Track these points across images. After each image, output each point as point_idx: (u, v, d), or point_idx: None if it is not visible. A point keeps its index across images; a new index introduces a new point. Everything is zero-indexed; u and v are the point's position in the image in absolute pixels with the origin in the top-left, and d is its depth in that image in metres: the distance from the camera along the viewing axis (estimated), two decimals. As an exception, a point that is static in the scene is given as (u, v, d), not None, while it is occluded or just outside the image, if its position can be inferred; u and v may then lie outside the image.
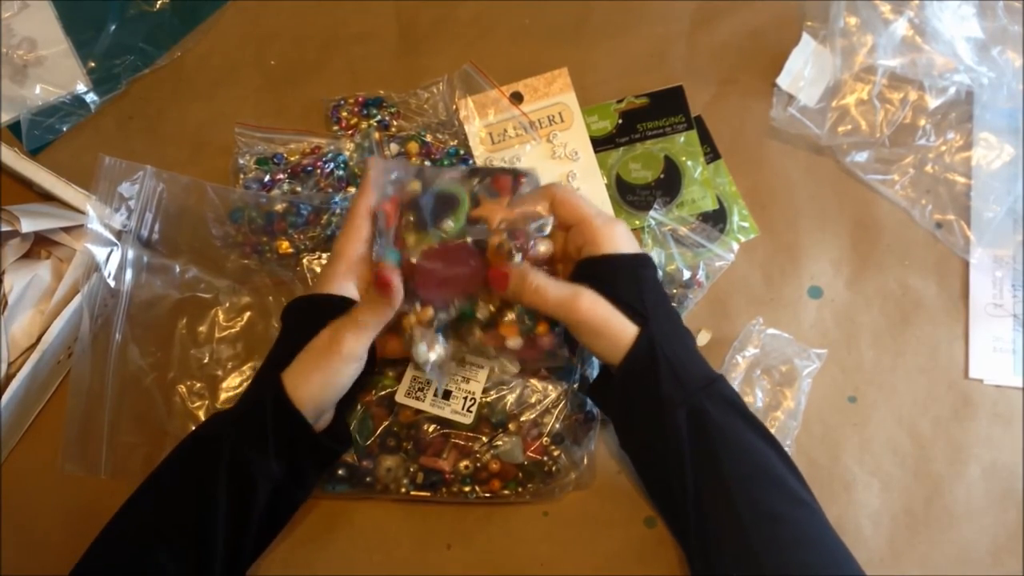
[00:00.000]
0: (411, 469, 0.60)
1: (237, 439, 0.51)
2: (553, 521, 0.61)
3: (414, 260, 0.54)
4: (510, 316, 0.55)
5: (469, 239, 0.54)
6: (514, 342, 0.55)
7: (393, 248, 0.54)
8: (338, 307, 0.54)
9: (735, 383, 0.63)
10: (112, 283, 0.61)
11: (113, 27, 0.71)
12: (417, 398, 0.60)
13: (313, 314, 0.54)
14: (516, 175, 0.56)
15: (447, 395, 0.60)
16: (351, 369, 0.53)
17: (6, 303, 0.60)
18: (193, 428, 0.57)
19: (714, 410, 0.52)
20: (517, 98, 0.70)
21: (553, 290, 0.52)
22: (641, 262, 0.55)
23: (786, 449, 0.62)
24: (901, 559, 0.61)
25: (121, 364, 0.61)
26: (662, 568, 0.60)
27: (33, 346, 0.60)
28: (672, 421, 0.51)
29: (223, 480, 0.50)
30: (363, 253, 0.56)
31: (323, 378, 0.52)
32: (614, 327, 0.52)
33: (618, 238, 0.54)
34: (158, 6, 0.73)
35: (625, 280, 0.53)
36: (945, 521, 0.62)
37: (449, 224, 0.54)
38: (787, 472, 0.52)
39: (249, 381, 0.60)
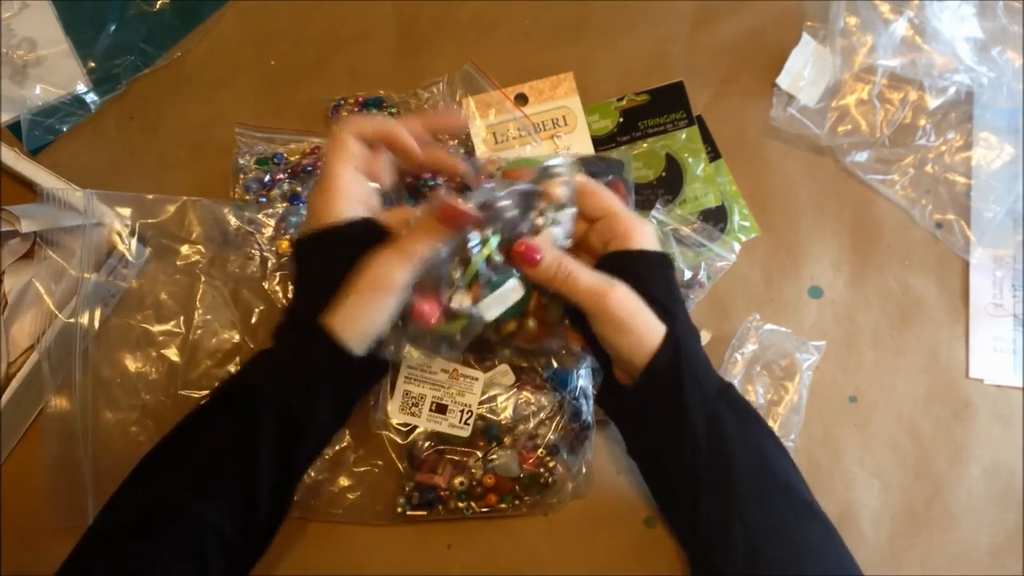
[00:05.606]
0: (407, 488, 0.59)
1: (283, 393, 0.49)
2: (553, 521, 0.61)
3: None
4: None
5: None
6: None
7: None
8: (364, 235, 0.51)
9: (735, 381, 0.63)
10: (112, 284, 0.61)
11: (113, 27, 0.71)
12: (412, 414, 0.59)
13: (338, 248, 0.51)
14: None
15: (442, 409, 0.59)
16: (398, 302, 0.50)
17: (6, 303, 0.60)
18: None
19: (731, 417, 0.51)
20: (521, 100, 0.70)
21: (585, 278, 0.51)
22: (669, 261, 0.54)
23: (790, 445, 0.62)
24: (901, 559, 0.61)
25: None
26: (662, 568, 0.60)
27: (33, 346, 0.60)
28: (692, 427, 0.50)
29: (270, 433, 0.48)
30: (359, 174, 0.53)
31: (371, 316, 0.50)
32: (642, 324, 0.50)
33: (648, 236, 0.53)
34: (158, 6, 0.72)
35: (658, 277, 0.53)
36: (945, 521, 0.62)
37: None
38: (797, 478, 0.52)
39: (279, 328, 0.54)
